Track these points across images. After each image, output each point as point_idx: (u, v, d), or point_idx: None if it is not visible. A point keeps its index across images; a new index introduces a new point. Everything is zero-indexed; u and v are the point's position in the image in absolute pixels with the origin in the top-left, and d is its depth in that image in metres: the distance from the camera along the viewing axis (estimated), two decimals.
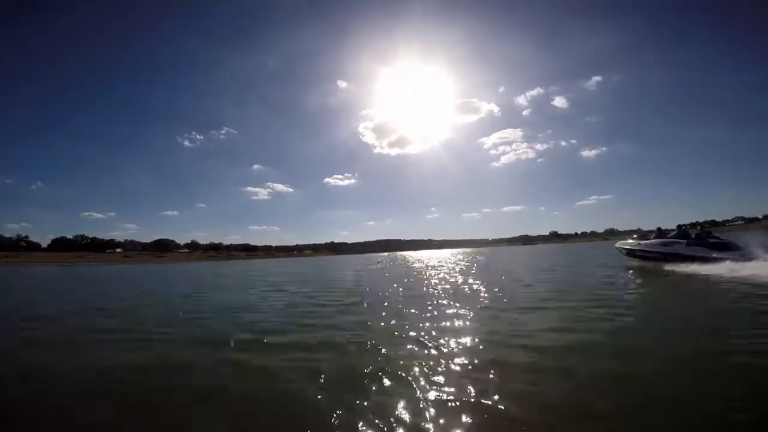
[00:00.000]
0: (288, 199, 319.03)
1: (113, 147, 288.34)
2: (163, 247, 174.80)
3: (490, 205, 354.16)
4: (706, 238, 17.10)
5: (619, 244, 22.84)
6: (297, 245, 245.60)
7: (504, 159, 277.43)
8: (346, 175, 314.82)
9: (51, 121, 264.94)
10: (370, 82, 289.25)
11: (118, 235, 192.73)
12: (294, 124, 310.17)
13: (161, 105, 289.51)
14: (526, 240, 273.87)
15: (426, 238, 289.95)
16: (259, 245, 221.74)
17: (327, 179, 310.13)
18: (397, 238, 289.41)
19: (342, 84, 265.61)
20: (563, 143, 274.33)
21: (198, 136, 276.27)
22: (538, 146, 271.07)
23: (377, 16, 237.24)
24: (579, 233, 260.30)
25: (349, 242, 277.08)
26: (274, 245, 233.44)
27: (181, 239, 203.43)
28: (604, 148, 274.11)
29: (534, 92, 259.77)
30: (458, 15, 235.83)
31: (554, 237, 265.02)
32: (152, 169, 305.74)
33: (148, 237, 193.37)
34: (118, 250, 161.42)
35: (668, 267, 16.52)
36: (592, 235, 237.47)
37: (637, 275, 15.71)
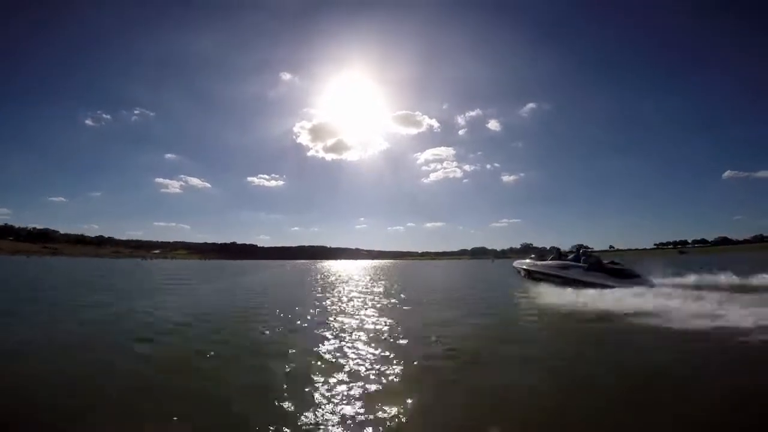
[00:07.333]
0: (203, 195, 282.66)
1: None
2: None
3: (414, 220, 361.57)
4: (605, 265, 15.78)
5: (517, 263, 21.15)
6: (143, 241, 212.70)
7: (433, 176, 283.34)
8: (274, 175, 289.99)
9: None
10: (316, 80, 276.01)
11: None
12: (220, 113, 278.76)
13: (63, 79, 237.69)
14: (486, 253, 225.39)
15: (354, 247, 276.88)
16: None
17: (251, 178, 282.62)
18: (323, 245, 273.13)
19: (285, 76, 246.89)
20: (488, 166, 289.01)
21: (104, 115, 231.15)
22: (467, 167, 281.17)
23: (337, 13, 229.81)
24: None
25: (259, 245, 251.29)
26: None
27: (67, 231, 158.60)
28: (522, 174, 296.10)
29: (473, 113, 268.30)
30: (416, 26, 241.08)
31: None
32: (38, 147, 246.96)
33: (25, 224, 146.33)
34: None
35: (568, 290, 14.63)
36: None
37: None
